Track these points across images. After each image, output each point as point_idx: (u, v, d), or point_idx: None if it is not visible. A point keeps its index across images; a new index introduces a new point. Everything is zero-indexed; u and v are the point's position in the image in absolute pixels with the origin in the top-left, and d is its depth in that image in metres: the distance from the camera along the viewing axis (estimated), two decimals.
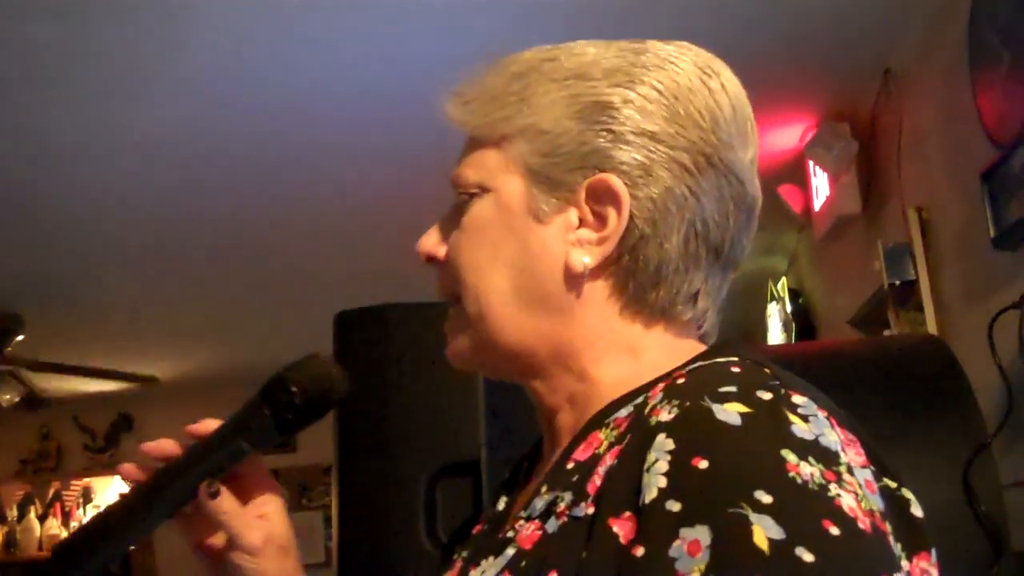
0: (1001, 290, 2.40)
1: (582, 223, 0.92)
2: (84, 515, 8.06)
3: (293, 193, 4.16)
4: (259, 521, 1.01)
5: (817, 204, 3.93)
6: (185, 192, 4.07)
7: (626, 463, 0.77)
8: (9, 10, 2.67)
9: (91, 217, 4.25)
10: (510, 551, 0.83)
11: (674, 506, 0.70)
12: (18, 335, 5.49)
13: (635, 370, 0.90)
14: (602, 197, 0.90)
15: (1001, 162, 2.31)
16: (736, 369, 0.81)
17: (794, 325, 4.85)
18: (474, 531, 1.03)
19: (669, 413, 0.76)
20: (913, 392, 2.12)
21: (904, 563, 0.78)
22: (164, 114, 3.35)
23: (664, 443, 0.74)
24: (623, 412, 0.85)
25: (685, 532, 0.69)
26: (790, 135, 3.77)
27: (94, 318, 5.82)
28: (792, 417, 0.74)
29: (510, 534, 0.85)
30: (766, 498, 0.68)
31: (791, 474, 0.70)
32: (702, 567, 0.67)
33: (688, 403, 0.76)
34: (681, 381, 0.81)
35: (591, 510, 0.78)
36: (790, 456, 0.71)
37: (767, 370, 0.82)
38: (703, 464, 0.71)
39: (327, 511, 7.78)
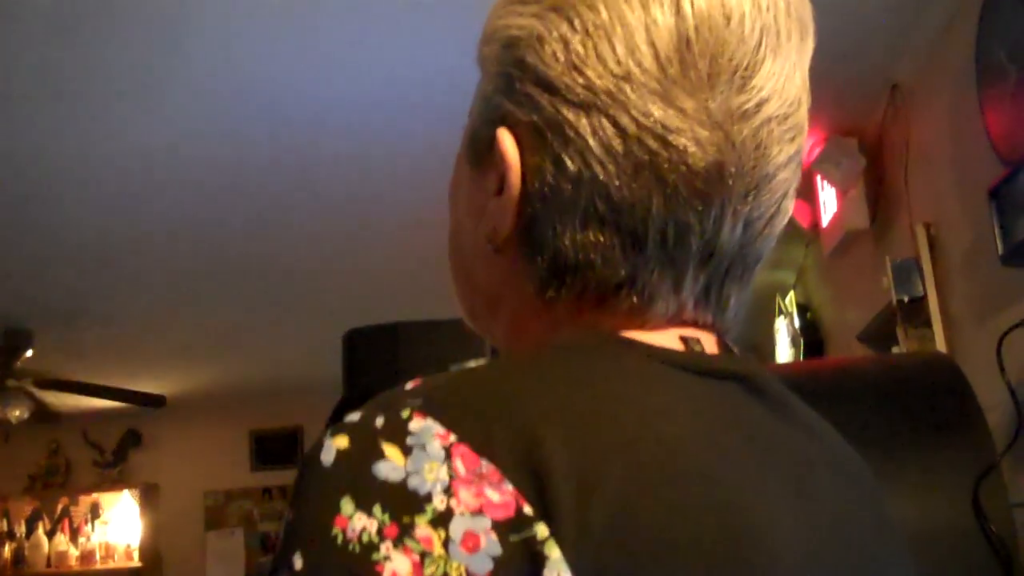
0: (1010, 307, 2.40)
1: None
2: (92, 531, 8.06)
3: (303, 210, 4.17)
4: None
5: (825, 219, 3.93)
6: (194, 210, 4.08)
7: None
8: (11, 28, 2.68)
9: (100, 234, 4.27)
10: None
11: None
12: (28, 351, 5.51)
13: None
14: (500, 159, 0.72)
15: (1009, 179, 2.31)
16: (411, 384, 0.64)
17: (802, 340, 4.85)
18: None
19: None
20: (922, 410, 2.12)
21: None
22: (174, 132, 3.36)
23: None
24: None
25: None
26: None
27: (103, 334, 5.83)
28: (388, 449, 0.59)
29: None
30: (299, 562, 0.57)
31: (334, 531, 0.57)
32: None
33: (320, 437, 0.62)
34: None
35: None
36: (346, 507, 0.57)
37: (441, 380, 0.64)
38: (290, 516, 0.60)
39: None
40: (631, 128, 0.67)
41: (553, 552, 0.57)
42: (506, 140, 0.71)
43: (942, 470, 2.03)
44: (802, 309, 4.96)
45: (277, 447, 8.04)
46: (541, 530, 0.57)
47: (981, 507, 1.94)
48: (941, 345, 2.89)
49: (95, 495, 8.18)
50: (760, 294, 5.39)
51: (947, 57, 2.84)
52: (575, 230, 0.69)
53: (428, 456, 0.58)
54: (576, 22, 0.69)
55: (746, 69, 0.68)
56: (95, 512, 8.12)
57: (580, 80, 0.68)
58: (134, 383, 6.55)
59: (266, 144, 3.51)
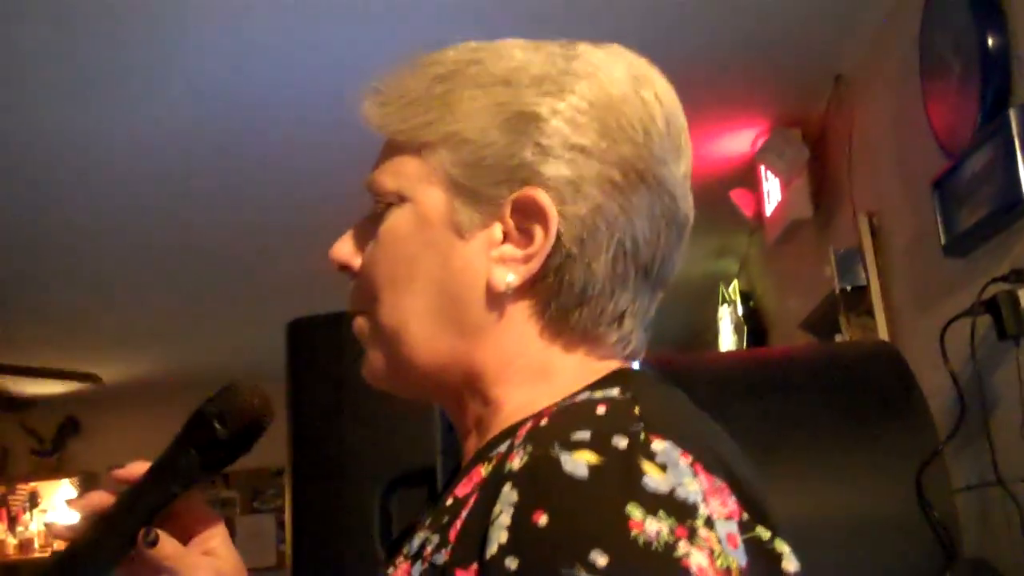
0: (951, 297, 2.43)
1: (506, 239, 0.86)
2: (31, 519, 7.95)
3: (246, 197, 4.12)
4: (205, 560, 0.98)
5: (769, 208, 3.95)
6: (134, 194, 4.02)
7: (479, 511, 0.73)
8: None
9: (35, 220, 4.19)
10: None
11: (512, 563, 0.67)
12: None
13: (544, 393, 0.84)
14: (528, 213, 0.85)
15: (952, 171, 2.34)
16: (601, 410, 0.76)
17: (745, 328, 4.88)
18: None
19: (520, 460, 0.72)
20: (866, 398, 2.15)
21: None
22: (115, 118, 3.31)
23: (509, 495, 0.70)
24: (503, 447, 0.80)
25: None
26: (742, 140, 3.79)
27: (40, 320, 5.74)
28: (646, 466, 0.70)
29: (389, 571, 0.82)
30: (601, 559, 0.65)
31: (633, 532, 0.66)
32: None
33: (537, 452, 0.72)
34: (544, 423, 0.76)
35: (447, 558, 0.74)
36: (635, 512, 0.67)
37: (637, 409, 0.76)
38: (543, 520, 0.67)
39: (279, 514, 7.73)
40: (652, 182, 0.86)
41: (783, 548, 0.74)
42: (544, 197, 0.84)
43: (886, 457, 2.05)
44: (745, 297, 5.00)
45: None
46: (763, 532, 0.73)
47: (924, 494, 1.96)
48: (883, 334, 2.92)
49: (33, 484, 8.07)
50: (704, 282, 5.43)
51: (891, 49, 2.86)
52: (608, 266, 0.85)
53: (682, 472, 0.70)
54: (592, 98, 0.86)
55: (686, 145, 0.91)
56: (34, 501, 8.01)
57: (610, 145, 0.85)
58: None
59: (209, 131, 3.47)
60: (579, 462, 0.69)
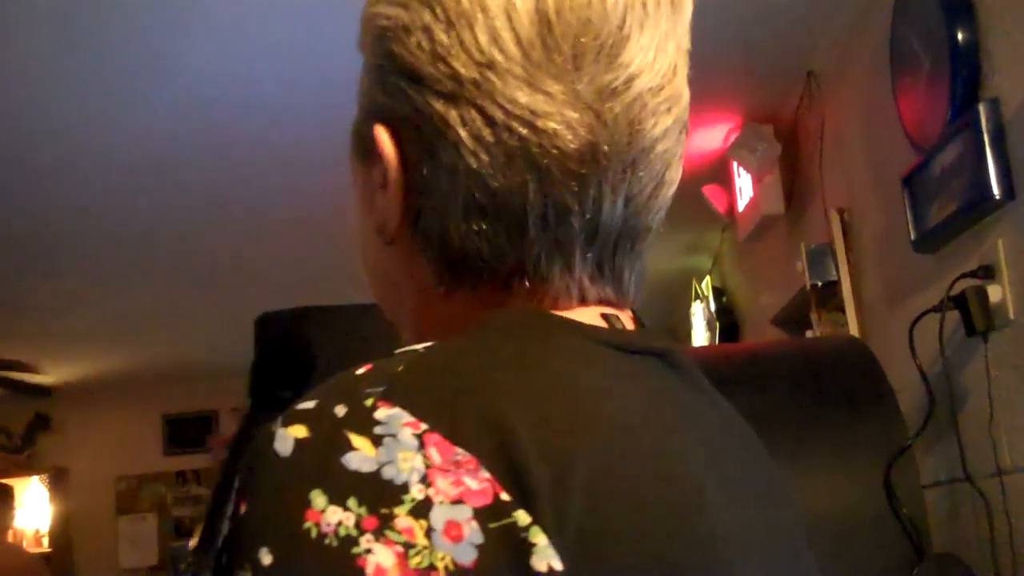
0: (921, 293, 2.43)
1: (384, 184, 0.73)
2: None
3: (218, 192, 4.09)
4: None
5: (741, 204, 3.96)
6: (98, 192, 3.98)
7: None
8: None
9: (11, 213, 4.14)
10: None
11: (224, 558, 0.58)
12: None
13: None
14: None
15: (921, 166, 2.34)
16: (362, 370, 0.62)
17: (718, 324, 4.89)
18: None
19: None
20: (835, 394, 2.14)
21: None
22: (81, 107, 3.28)
23: (238, 479, 0.60)
24: None
25: None
26: (714, 136, 3.79)
27: (7, 319, 5.69)
28: (356, 440, 0.57)
29: None
30: (267, 558, 0.55)
31: (306, 525, 0.55)
32: None
33: (268, 426, 0.60)
34: None
35: None
36: (318, 500, 0.56)
37: (401, 367, 0.62)
38: (242, 510, 0.58)
39: None
40: (499, 116, 0.66)
41: (539, 539, 0.56)
42: (382, 135, 0.71)
43: (855, 453, 2.05)
44: (718, 293, 5.01)
45: (191, 431, 7.93)
46: (522, 517, 0.56)
47: (893, 489, 1.96)
48: (853, 329, 2.93)
49: (3, 480, 8.00)
50: (677, 278, 5.44)
51: (862, 45, 2.86)
52: (458, 221, 0.69)
53: (401, 445, 0.57)
54: (439, 10, 0.68)
55: (612, 47, 0.67)
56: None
57: (445, 70, 0.67)
58: (43, 367, 6.41)
59: (182, 124, 3.44)
60: (288, 437, 0.58)
